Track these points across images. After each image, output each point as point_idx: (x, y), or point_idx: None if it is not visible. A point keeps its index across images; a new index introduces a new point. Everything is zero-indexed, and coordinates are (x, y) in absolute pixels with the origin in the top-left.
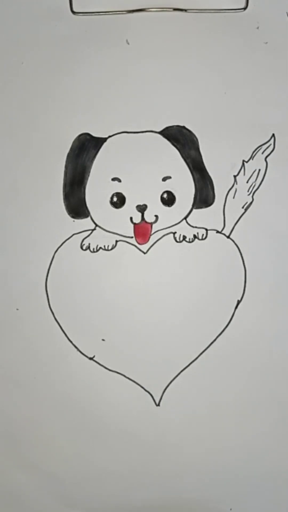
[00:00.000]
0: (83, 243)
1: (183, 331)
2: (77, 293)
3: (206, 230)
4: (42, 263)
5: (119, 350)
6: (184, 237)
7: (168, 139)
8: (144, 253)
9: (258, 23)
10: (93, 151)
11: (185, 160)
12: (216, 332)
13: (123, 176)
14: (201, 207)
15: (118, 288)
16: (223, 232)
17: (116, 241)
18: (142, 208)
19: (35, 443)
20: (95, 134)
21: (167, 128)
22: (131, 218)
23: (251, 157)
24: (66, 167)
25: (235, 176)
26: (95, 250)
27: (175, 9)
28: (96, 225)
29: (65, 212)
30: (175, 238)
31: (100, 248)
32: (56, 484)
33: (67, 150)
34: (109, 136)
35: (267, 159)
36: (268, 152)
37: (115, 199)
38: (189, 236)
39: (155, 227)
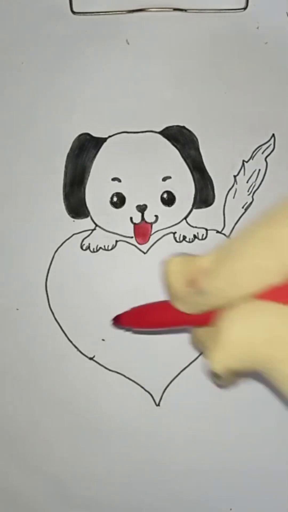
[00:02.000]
0: (83, 243)
1: (183, 330)
2: (77, 293)
3: (206, 230)
4: (42, 263)
5: (119, 350)
6: (184, 237)
7: (168, 139)
8: (144, 253)
9: (258, 23)
10: (93, 151)
11: (185, 160)
12: None
13: (123, 176)
14: (201, 207)
15: (118, 288)
16: (223, 232)
17: (116, 241)
18: (142, 208)
19: (35, 443)
20: (95, 134)
21: (167, 128)
22: (131, 218)
23: (251, 157)
24: (66, 167)
25: (235, 176)
26: (95, 250)
27: (175, 9)
28: (96, 225)
29: (65, 212)
30: (175, 238)
31: (100, 248)
32: (56, 484)
33: (67, 150)
34: (109, 136)
35: (267, 159)
36: (268, 152)
37: (115, 199)
38: (189, 236)
39: (155, 227)
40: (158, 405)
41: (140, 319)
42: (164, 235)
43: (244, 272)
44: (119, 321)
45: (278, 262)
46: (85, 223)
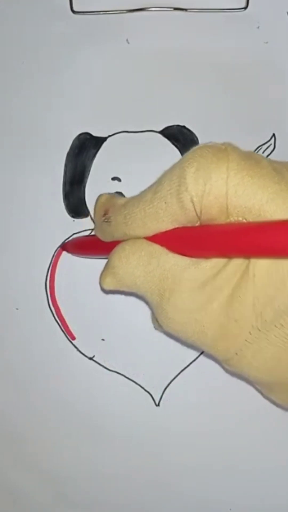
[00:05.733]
0: None
1: None
2: (77, 293)
3: None
4: (42, 263)
5: (119, 350)
6: None
7: (168, 139)
8: None
9: (258, 23)
10: (93, 150)
11: None
12: None
13: (123, 176)
14: None
15: None
16: None
17: None
18: None
19: (35, 443)
20: (95, 133)
21: (167, 127)
22: None
23: None
24: (66, 166)
25: None
26: None
27: (175, 9)
28: None
29: (65, 211)
30: None
31: None
32: (56, 484)
33: (67, 150)
34: (109, 136)
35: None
36: (269, 152)
37: None
38: None
39: None
40: (158, 405)
41: (78, 247)
42: None
43: (136, 215)
44: (65, 248)
45: (163, 215)
46: (85, 222)
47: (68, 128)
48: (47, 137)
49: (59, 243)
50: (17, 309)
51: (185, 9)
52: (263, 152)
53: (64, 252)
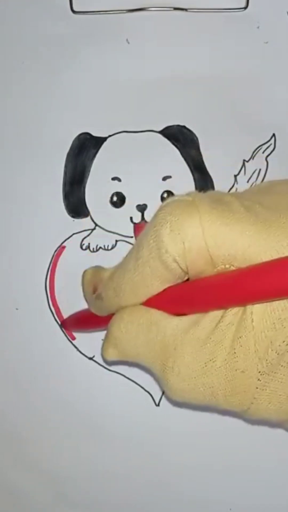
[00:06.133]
0: (83, 242)
1: None
2: (77, 293)
3: None
4: (42, 263)
5: None
6: None
7: (168, 139)
8: None
9: (258, 23)
10: (93, 150)
11: (185, 160)
12: None
13: (123, 176)
14: None
15: None
16: None
17: (116, 241)
18: (142, 208)
19: (35, 443)
20: (95, 133)
21: (167, 127)
22: (131, 218)
23: (252, 157)
24: (66, 166)
25: (235, 176)
26: (95, 250)
27: (175, 8)
28: (96, 225)
29: (65, 211)
30: None
31: (100, 248)
32: (56, 484)
33: (67, 150)
34: (109, 136)
35: (268, 158)
36: (269, 152)
37: (115, 198)
38: None
39: None
40: (158, 405)
41: (76, 323)
42: None
43: (125, 285)
44: (64, 326)
45: (151, 278)
46: (85, 222)
47: (68, 128)
48: (47, 137)
49: (59, 243)
50: (17, 309)
51: (185, 9)
52: (263, 152)
53: (64, 252)
